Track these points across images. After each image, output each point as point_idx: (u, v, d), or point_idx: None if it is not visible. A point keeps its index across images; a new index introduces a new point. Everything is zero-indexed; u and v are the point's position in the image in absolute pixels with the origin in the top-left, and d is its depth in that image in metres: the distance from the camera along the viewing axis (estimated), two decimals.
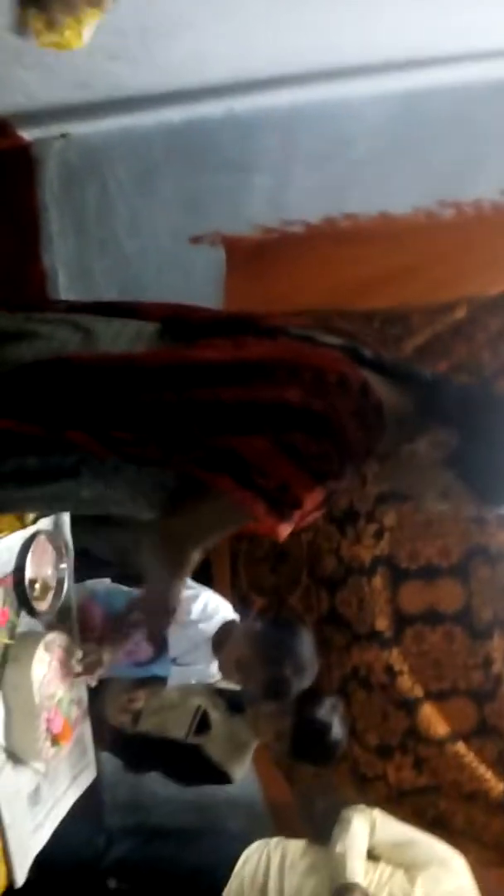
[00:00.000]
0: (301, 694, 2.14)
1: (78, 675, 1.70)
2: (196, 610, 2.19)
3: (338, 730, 2.27)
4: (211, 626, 2.19)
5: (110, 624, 2.14)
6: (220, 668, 2.15)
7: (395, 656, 2.62)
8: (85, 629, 1.91)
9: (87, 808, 1.87)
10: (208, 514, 1.31)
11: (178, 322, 1.44)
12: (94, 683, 1.79)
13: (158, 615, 1.53)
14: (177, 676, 2.23)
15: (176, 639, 2.16)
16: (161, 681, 2.25)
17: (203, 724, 2.29)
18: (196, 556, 1.36)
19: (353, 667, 2.67)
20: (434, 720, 2.64)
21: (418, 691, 2.63)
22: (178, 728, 2.29)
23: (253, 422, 1.24)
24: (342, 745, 2.31)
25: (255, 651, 2.07)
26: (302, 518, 1.31)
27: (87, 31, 1.15)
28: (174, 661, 2.18)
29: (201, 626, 2.19)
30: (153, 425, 1.28)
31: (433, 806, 2.70)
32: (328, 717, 2.26)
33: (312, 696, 2.22)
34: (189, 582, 2.20)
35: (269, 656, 2.05)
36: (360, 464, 1.33)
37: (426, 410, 1.32)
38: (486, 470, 1.31)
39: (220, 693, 2.35)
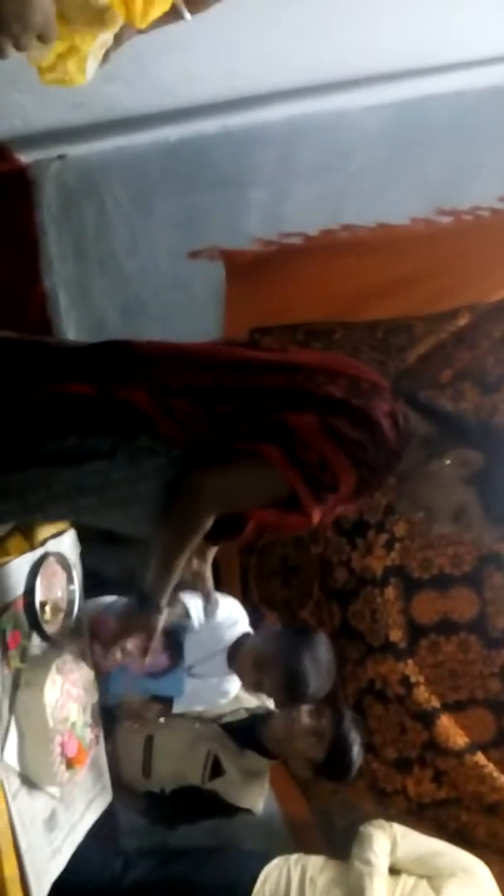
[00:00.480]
0: (328, 707, 2.18)
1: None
2: (224, 616, 2.19)
3: (358, 747, 2.26)
4: (230, 636, 2.19)
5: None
6: (238, 670, 2.16)
7: (410, 668, 2.60)
8: (97, 639, 1.91)
9: (102, 832, 1.85)
10: (247, 478, 1.38)
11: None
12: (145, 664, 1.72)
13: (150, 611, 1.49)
14: (185, 700, 2.22)
15: (192, 644, 2.16)
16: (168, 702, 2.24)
17: (216, 769, 2.27)
18: (210, 521, 1.39)
19: (368, 680, 2.64)
20: (452, 731, 2.61)
21: (435, 702, 2.61)
22: (192, 777, 2.28)
23: (302, 404, 1.35)
24: (360, 761, 2.30)
25: (273, 648, 2.10)
26: (333, 507, 1.40)
27: (91, 63, 1.16)
28: (189, 669, 2.17)
29: (218, 634, 2.19)
30: (210, 400, 1.38)
31: (454, 818, 2.67)
32: (352, 733, 2.25)
33: (336, 709, 2.24)
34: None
35: (287, 652, 2.07)
36: (390, 466, 1.40)
37: (452, 433, 1.43)
38: (502, 493, 1.41)
39: (227, 730, 2.33)
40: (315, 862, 2.27)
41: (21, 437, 1.40)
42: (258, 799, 2.33)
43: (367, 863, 2.17)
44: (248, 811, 2.33)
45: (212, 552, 1.79)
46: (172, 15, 1.42)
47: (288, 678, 2.06)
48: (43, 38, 1.02)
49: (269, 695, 2.18)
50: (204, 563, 1.76)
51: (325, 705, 2.24)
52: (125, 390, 1.38)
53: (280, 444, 1.33)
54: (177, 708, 2.23)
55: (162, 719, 2.28)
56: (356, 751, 2.25)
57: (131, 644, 1.48)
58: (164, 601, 1.44)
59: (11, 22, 0.96)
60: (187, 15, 1.41)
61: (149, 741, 2.31)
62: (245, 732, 2.32)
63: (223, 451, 1.38)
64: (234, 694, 2.26)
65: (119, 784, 2.26)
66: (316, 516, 1.37)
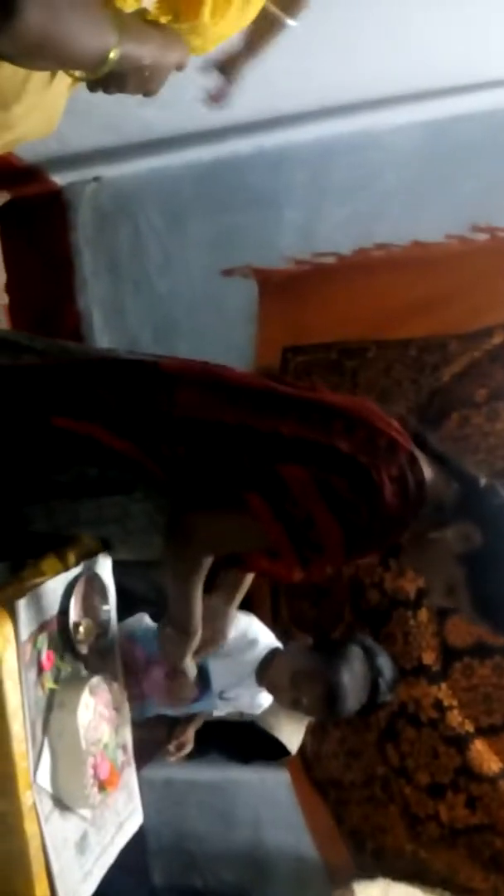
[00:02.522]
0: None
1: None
2: (239, 637, 2.17)
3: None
4: (254, 656, 2.16)
5: (149, 668, 2.15)
6: (272, 688, 2.11)
7: (443, 691, 2.56)
8: (126, 672, 1.90)
9: (131, 857, 1.84)
10: (233, 524, 1.33)
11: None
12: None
13: (179, 639, 1.53)
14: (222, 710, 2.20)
15: (218, 670, 2.14)
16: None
17: None
18: (207, 562, 1.36)
19: (400, 703, 2.60)
20: (486, 756, 2.56)
21: (469, 727, 2.56)
22: None
23: (300, 455, 1.28)
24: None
25: (310, 665, 2.03)
26: (321, 566, 1.33)
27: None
28: (221, 694, 2.15)
29: (244, 656, 2.16)
30: (206, 445, 1.33)
31: (488, 845, 2.61)
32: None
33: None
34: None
35: (325, 668, 1.99)
36: (391, 533, 1.32)
37: (465, 505, 1.33)
38: (490, 585, 1.32)
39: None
40: None
41: (44, 464, 1.39)
42: (294, 737, 2.25)
43: None
44: (283, 747, 2.25)
45: (233, 610, 1.79)
46: (273, 25, 1.46)
47: (327, 695, 1.98)
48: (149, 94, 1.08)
49: (308, 712, 2.11)
50: (226, 620, 1.77)
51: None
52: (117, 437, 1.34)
53: (267, 494, 1.27)
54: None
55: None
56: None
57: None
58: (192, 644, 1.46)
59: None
60: (290, 21, 1.43)
61: None
62: None
63: (212, 492, 1.34)
64: (265, 706, 2.18)
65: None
66: (296, 574, 1.32)
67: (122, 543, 1.46)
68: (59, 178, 2.78)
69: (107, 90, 1.06)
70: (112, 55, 0.94)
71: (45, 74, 1.09)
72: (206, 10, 1.08)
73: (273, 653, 2.16)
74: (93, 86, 1.06)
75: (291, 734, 2.30)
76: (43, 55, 0.90)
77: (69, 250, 2.83)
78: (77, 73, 1.00)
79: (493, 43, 2.12)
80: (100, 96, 1.13)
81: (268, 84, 2.31)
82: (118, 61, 0.96)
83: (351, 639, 2.13)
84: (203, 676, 2.14)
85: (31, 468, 1.40)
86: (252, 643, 2.18)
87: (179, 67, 1.10)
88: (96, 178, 2.78)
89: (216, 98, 1.63)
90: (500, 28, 2.04)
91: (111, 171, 2.77)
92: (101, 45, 0.93)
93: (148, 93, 1.08)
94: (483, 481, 1.37)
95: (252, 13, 1.18)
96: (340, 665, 2.01)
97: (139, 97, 1.09)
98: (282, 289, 2.61)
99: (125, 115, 2.36)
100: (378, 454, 1.27)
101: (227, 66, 1.57)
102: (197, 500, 1.35)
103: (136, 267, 2.80)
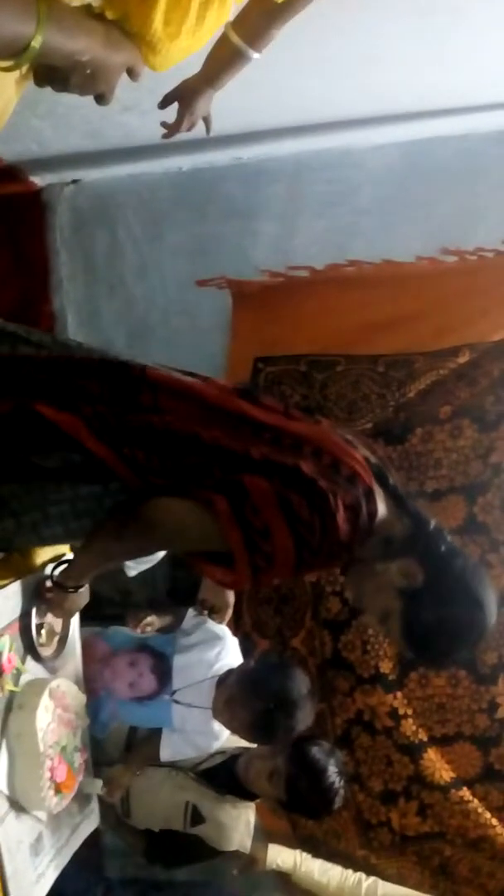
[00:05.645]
0: (295, 739, 2.09)
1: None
2: (205, 631, 2.20)
3: (334, 777, 2.11)
4: (217, 668, 2.18)
5: (112, 659, 2.16)
6: (213, 707, 2.13)
7: (399, 700, 2.60)
8: (88, 662, 1.93)
9: (85, 856, 1.85)
10: (193, 520, 1.37)
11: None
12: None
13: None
14: (174, 746, 2.18)
15: (179, 670, 2.15)
16: (155, 734, 2.22)
17: (197, 817, 2.22)
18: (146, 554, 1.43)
19: (356, 711, 2.65)
20: (438, 765, 2.61)
21: (422, 736, 2.61)
22: (174, 825, 2.23)
23: (266, 471, 1.35)
24: (339, 794, 2.13)
25: (243, 688, 2.05)
26: (268, 576, 1.39)
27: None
28: (173, 694, 2.16)
29: (206, 663, 2.18)
30: (180, 455, 1.38)
31: (438, 853, 2.66)
32: (322, 761, 2.11)
33: (306, 741, 2.14)
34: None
35: (255, 693, 2.02)
36: (336, 556, 1.40)
37: (414, 543, 1.42)
38: (422, 620, 1.40)
39: (206, 776, 2.26)
40: None
41: (25, 447, 1.42)
42: (245, 839, 2.27)
43: None
44: (236, 851, 2.26)
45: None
46: (237, 57, 1.44)
47: (254, 719, 2.01)
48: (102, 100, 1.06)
49: (240, 735, 2.13)
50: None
51: (283, 743, 2.12)
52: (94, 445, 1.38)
53: (231, 500, 1.32)
54: (164, 755, 2.17)
55: (138, 772, 2.22)
56: (330, 779, 2.10)
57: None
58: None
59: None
60: (254, 54, 1.41)
61: (125, 796, 2.26)
62: (223, 775, 2.26)
63: (183, 489, 1.39)
64: (226, 735, 2.18)
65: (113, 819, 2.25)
66: (244, 581, 1.37)
67: None
68: (39, 180, 2.78)
69: (51, 85, 1.03)
70: (34, 43, 0.92)
71: None
72: (158, 15, 1.06)
73: (226, 674, 2.15)
74: (39, 81, 1.05)
75: (243, 837, 2.27)
76: None
77: (46, 251, 2.83)
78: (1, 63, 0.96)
79: (471, 69, 2.17)
80: (80, 100, 1.13)
81: (249, 98, 2.35)
82: (45, 52, 0.93)
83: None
84: (165, 674, 2.16)
85: (12, 448, 1.43)
86: (216, 639, 2.21)
87: (133, 74, 1.08)
88: (75, 181, 2.78)
89: (172, 129, 1.59)
90: (477, 56, 2.10)
91: (91, 175, 2.78)
92: (18, 31, 0.91)
93: (97, 95, 1.05)
94: (433, 524, 1.46)
95: (206, 33, 1.16)
96: (271, 693, 2.02)
97: (126, 103, 1.06)
98: (255, 300, 2.64)
99: (108, 121, 2.38)
100: (338, 482, 1.35)
101: (186, 98, 1.53)
102: (168, 492, 1.40)
103: (111, 271, 2.81)
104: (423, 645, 1.45)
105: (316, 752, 2.13)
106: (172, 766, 2.27)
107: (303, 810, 2.28)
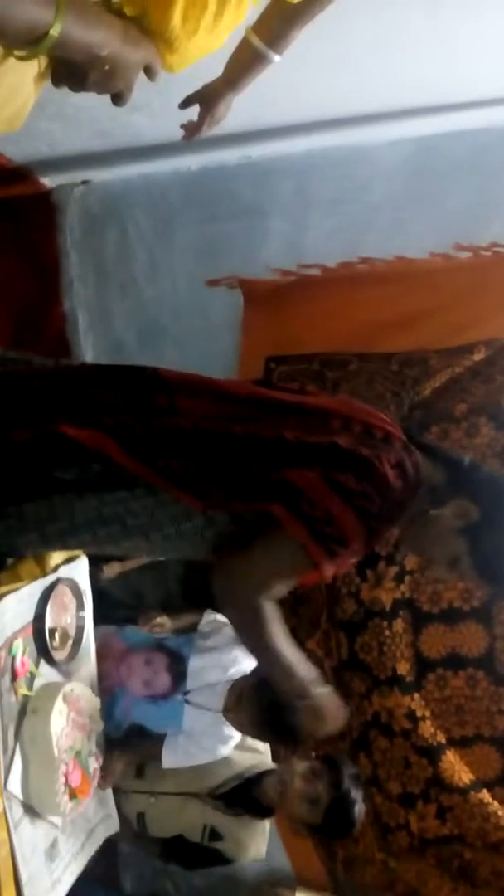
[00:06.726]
0: (332, 761, 2.08)
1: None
2: (224, 633, 2.19)
3: (359, 807, 2.10)
4: (232, 673, 2.17)
5: (128, 656, 2.15)
6: (224, 706, 2.10)
7: (416, 702, 2.57)
8: (103, 660, 1.93)
9: (101, 864, 1.84)
10: (267, 550, 1.35)
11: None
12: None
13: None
14: (174, 752, 2.16)
15: (196, 670, 2.14)
16: (156, 739, 2.20)
17: (214, 835, 2.22)
18: (265, 604, 1.35)
19: (373, 713, 2.62)
20: (457, 768, 2.58)
21: (441, 738, 2.58)
22: (193, 837, 2.23)
23: (306, 458, 1.35)
24: (362, 818, 2.14)
25: (254, 684, 2.02)
26: (347, 559, 1.39)
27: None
28: (186, 694, 2.14)
29: (222, 666, 2.17)
30: (215, 456, 1.36)
31: (458, 856, 2.63)
32: (351, 795, 2.09)
33: (345, 766, 2.12)
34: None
35: (266, 687, 1.99)
36: (397, 515, 1.40)
37: (457, 483, 1.44)
38: (493, 552, 1.43)
39: (221, 799, 2.23)
40: None
41: (45, 462, 1.40)
42: (261, 847, 2.28)
43: None
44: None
45: None
46: (257, 60, 1.43)
47: (263, 714, 1.99)
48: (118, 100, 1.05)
49: (248, 733, 2.09)
50: None
51: (322, 764, 2.11)
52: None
53: (285, 501, 1.32)
54: (166, 762, 2.16)
55: (152, 799, 2.22)
56: (357, 812, 2.09)
57: None
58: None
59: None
60: (275, 56, 1.41)
61: (140, 817, 2.26)
62: (239, 798, 2.23)
63: (235, 522, 1.37)
64: (232, 744, 2.17)
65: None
66: (328, 571, 1.36)
67: (115, 544, 1.45)
68: (49, 181, 2.78)
69: (68, 83, 1.01)
70: (52, 31, 0.90)
71: (7, 68, 1.02)
72: (177, 11, 1.04)
73: (240, 679, 2.12)
74: (56, 78, 1.03)
75: (258, 847, 2.29)
76: None
77: (56, 252, 2.82)
78: (17, 52, 0.94)
79: (482, 63, 2.14)
80: (89, 101, 1.11)
81: (258, 96, 2.33)
82: (63, 42, 0.91)
83: None
84: (180, 669, 2.15)
85: (33, 465, 1.41)
86: (234, 643, 2.19)
87: (150, 73, 1.06)
88: (85, 182, 2.77)
89: (192, 131, 1.58)
90: (490, 49, 2.07)
91: (100, 176, 2.77)
92: (36, 18, 0.88)
93: (115, 93, 1.04)
94: (466, 460, 1.48)
95: (223, 31, 1.14)
96: None
97: (136, 103, 1.06)
98: (266, 299, 2.62)
99: (117, 121, 2.37)
100: (377, 445, 1.37)
101: (208, 100, 1.53)
102: (225, 538, 1.38)
103: (122, 271, 2.80)
104: (499, 570, 1.45)
105: (352, 780, 2.11)
106: (185, 793, 2.25)
107: (329, 833, 2.27)
